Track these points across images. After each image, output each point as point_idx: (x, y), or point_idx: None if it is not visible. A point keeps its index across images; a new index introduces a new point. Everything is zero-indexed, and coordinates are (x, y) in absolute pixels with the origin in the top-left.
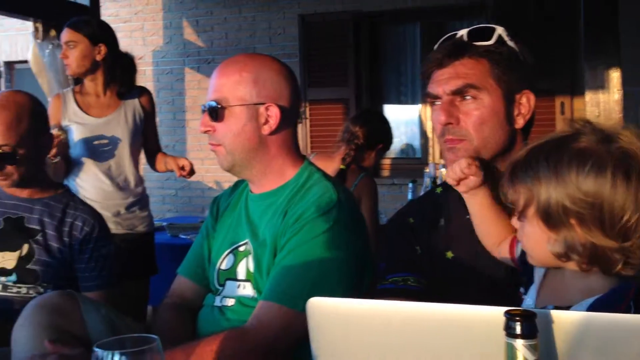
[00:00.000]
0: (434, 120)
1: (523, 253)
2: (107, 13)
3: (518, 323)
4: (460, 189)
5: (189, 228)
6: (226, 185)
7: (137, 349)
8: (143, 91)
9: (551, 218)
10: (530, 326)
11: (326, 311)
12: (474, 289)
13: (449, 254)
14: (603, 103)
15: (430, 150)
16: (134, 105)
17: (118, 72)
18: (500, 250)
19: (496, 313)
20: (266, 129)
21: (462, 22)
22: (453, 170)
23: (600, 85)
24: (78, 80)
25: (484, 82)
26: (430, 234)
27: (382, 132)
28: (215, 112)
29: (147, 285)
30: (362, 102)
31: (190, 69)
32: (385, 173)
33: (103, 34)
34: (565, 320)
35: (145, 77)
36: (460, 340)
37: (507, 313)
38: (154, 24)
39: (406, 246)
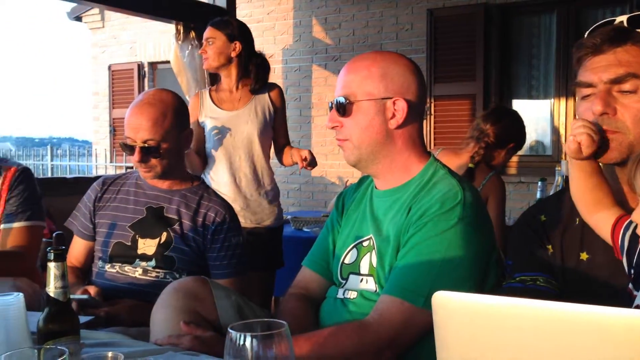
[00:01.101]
0: (584, 109)
1: (632, 246)
2: (242, 14)
3: None
4: (569, 150)
5: (312, 222)
6: (349, 181)
7: (267, 332)
8: (274, 87)
9: None
10: None
11: (452, 306)
12: (609, 293)
13: (584, 255)
14: None
15: (563, 147)
16: (264, 100)
17: (251, 69)
18: (596, 222)
19: (637, 316)
20: (393, 123)
21: (605, 11)
22: (575, 125)
23: None
24: (214, 81)
25: None
26: (565, 232)
27: (515, 131)
28: (343, 108)
29: (273, 276)
30: (490, 98)
31: (317, 66)
32: (512, 171)
33: (239, 33)
34: None
35: (274, 74)
36: (596, 343)
37: None
38: (284, 23)
39: (536, 244)
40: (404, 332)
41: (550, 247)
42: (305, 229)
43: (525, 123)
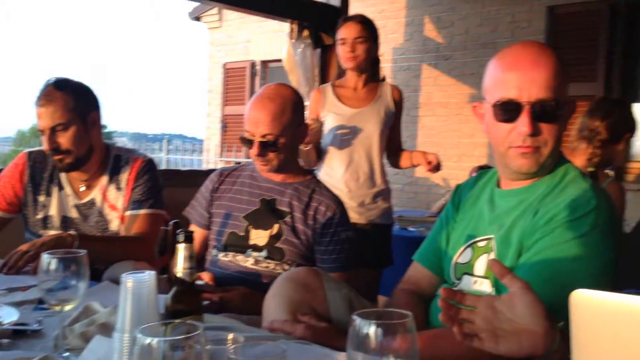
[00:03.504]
0: None
1: None
2: (353, 12)
3: None
4: None
5: (418, 221)
6: (453, 182)
7: (393, 321)
8: (396, 87)
9: None
10: None
11: (591, 305)
12: None
13: None
14: None
15: None
16: (387, 100)
17: (377, 67)
18: None
19: None
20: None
21: None
22: None
23: None
24: (324, 79)
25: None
26: None
27: (628, 121)
28: (552, 111)
29: (380, 275)
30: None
31: (427, 65)
32: (631, 177)
33: (377, 31)
34: None
35: None
36: None
37: None
38: (396, 22)
39: None
40: None
41: None
42: (411, 229)
43: None
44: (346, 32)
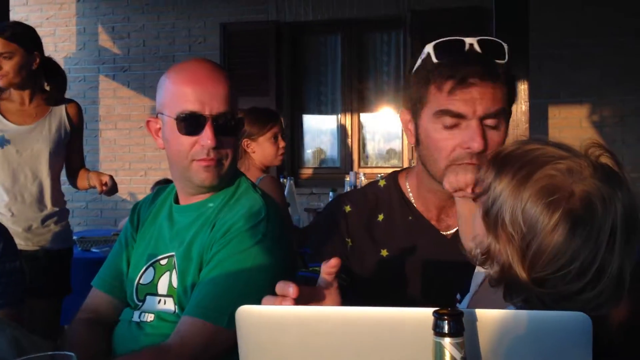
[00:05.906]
0: (446, 138)
1: None
2: (17, 17)
3: (445, 322)
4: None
5: (101, 241)
6: (140, 197)
7: None
8: (71, 102)
9: (489, 219)
10: (456, 325)
11: (255, 319)
12: (405, 292)
13: (384, 252)
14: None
15: (350, 159)
16: (60, 116)
17: (50, 78)
18: None
19: (427, 314)
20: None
21: (382, 34)
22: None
23: None
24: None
25: (507, 105)
26: (367, 227)
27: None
28: (232, 125)
29: (59, 304)
30: (283, 111)
31: (105, 76)
32: (304, 183)
33: (35, 41)
34: (489, 318)
35: None
36: (391, 342)
37: (435, 313)
38: (66, 30)
39: (335, 236)
40: (206, 354)
41: (349, 240)
42: (94, 250)
43: (316, 136)
44: None
